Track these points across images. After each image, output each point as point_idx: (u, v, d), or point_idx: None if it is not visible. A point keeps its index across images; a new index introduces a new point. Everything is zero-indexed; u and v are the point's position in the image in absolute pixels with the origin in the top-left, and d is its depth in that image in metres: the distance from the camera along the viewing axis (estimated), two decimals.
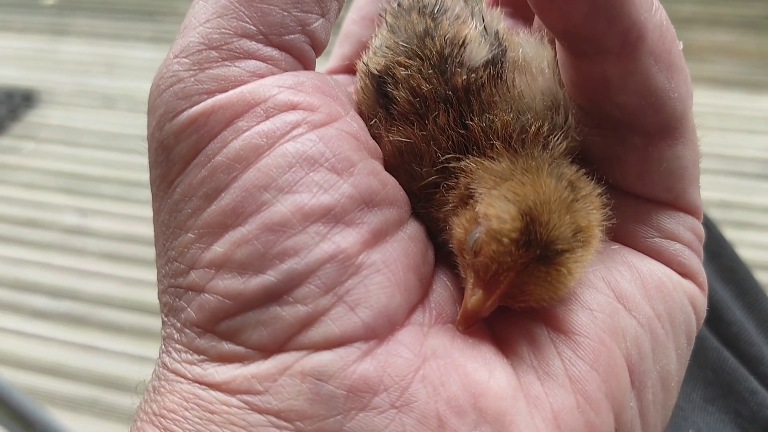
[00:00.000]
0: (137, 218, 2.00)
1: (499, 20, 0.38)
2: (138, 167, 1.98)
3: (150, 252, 0.33)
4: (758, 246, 1.84)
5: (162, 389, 0.30)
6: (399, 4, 0.40)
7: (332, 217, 0.30)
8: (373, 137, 0.35)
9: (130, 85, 2.58)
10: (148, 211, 0.33)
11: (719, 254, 0.68)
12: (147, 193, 0.33)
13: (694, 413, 0.57)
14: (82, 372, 1.74)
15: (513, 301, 0.32)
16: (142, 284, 1.84)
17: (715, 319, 0.62)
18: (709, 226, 0.66)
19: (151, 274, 0.33)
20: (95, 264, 1.97)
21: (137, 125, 2.32)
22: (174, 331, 0.31)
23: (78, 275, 1.96)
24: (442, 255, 0.35)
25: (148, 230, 0.39)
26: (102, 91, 2.58)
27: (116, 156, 2.30)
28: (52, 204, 2.19)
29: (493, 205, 0.31)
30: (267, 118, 0.30)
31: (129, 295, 1.85)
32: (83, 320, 1.85)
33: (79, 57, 2.78)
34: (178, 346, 0.30)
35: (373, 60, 0.37)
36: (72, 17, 2.96)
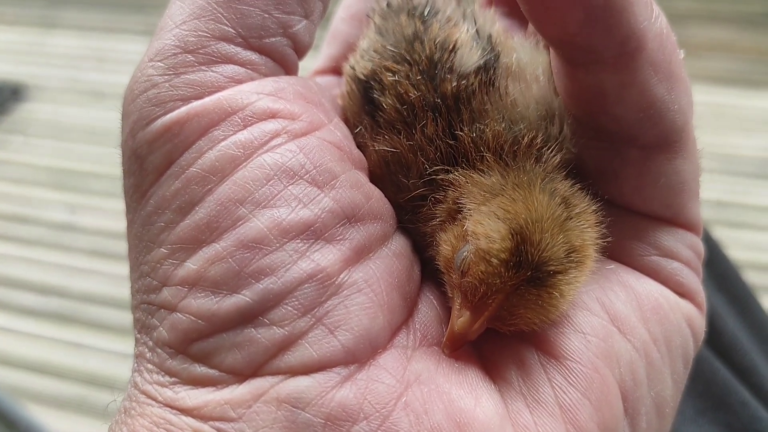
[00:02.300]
0: None
1: (493, 22, 0.37)
2: None
3: None
4: (753, 247, 1.83)
5: (132, 411, 0.29)
6: (388, 5, 0.38)
7: (312, 233, 0.28)
8: (358, 146, 0.34)
9: (121, 79, 2.51)
10: None
11: (712, 261, 0.67)
12: None
13: (684, 425, 0.56)
14: (69, 370, 1.72)
15: (502, 324, 0.30)
16: None
17: (708, 329, 0.61)
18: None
19: None
20: (84, 261, 1.95)
21: None
22: (146, 350, 0.29)
23: (66, 272, 1.93)
24: (429, 271, 0.34)
25: None
26: (92, 86, 2.55)
27: (106, 151, 2.26)
28: (40, 199, 2.16)
29: (482, 223, 0.30)
30: (245, 127, 0.29)
31: (118, 292, 1.83)
32: (71, 317, 1.82)
33: (69, 50, 2.75)
34: (149, 366, 0.29)
35: (360, 64, 0.36)
36: (62, 10, 2.92)
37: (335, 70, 0.43)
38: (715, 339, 0.61)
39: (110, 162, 2.23)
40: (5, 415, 1.11)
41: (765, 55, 2.34)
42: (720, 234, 1.79)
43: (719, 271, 0.67)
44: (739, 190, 1.98)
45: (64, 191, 2.18)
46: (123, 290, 1.81)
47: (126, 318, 1.79)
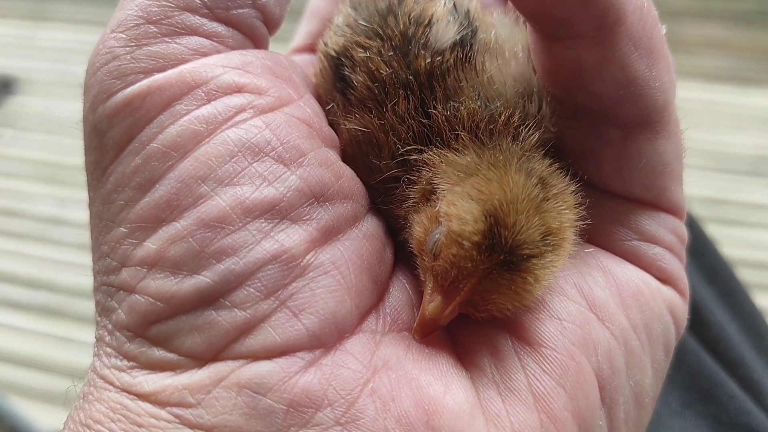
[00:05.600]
0: None
1: None
2: None
3: None
4: (745, 244, 1.83)
5: (90, 396, 0.28)
6: None
7: (277, 212, 0.27)
8: (331, 125, 0.33)
9: None
10: None
11: (701, 253, 0.66)
12: None
13: (670, 418, 0.55)
14: (58, 364, 1.70)
15: (474, 310, 0.29)
16: None
17: (695, 321, 0.59)
18: (691, 223, 0.64)
19: None
20: (73, 255, 1.93)
21: None
22: (105, 333, 0.28)
23: (55, 266, 1.91)
24: (404, 254, 0.32)
25: None
26: (82, 80, 2.54)
27: None
28: (29, 193, 2.14)
29: (455, 204, 0.29)
30: (208, 101, 0.28)
31: None
32: (60, 312, 1.81)
33: (61, 44, 2.73)
34: (108, 350, 0.28)
35: (332, 39, 0.35)
36: (53, 3, 2.90)
37: (313, 48, 0.41)
38: (703, 331, 0.60)
39: None
40: None
41: (758, 52, 2.33)
42: (712, 231, 1.77)
43: (709, 264, 0.66)
44: (732, 188, 1.97)
45: (53, 185, 2.16)
46: None
47: None
